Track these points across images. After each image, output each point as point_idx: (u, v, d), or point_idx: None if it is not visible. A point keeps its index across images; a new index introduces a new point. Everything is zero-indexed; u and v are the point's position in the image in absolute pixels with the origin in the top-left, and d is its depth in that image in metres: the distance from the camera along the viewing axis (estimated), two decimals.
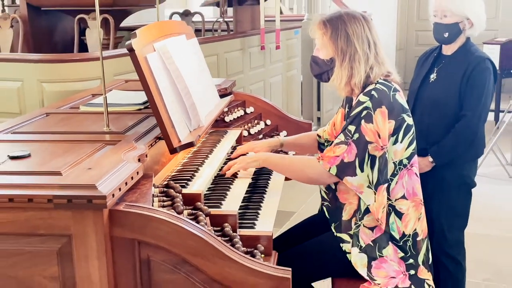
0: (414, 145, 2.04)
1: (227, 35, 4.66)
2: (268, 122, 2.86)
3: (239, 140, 2.58)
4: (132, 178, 1.50)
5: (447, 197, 2.59)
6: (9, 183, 1.41)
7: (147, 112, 2.18)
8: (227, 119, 2.66)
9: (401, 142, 1.99)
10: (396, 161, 1.99)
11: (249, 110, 2.86)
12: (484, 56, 2.60)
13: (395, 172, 2.00)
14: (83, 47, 5.15)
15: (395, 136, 1.97)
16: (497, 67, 6.21)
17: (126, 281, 1.44)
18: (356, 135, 1.93)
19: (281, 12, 6.58)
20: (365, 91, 2.01)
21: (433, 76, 2.66)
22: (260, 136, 2.77)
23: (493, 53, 6.32)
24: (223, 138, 2.48)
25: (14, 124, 2.00)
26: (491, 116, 6.10)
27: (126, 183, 1.46)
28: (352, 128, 1.95)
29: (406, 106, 2.04)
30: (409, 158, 2.02)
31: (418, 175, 2.09)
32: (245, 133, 2.67)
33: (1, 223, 1.38)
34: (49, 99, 3.00)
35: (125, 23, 5.57)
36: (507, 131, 5.28)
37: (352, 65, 2.01)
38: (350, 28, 2.01)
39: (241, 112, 2.80)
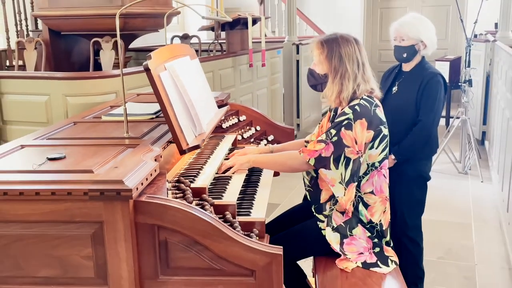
0: (386, 151, 2.08)
1: (221, 55, 4.66)
2: (258, 128, 2.86)
3: (235, 143, 2.59)
4: (151, 174, 1.52)
5: (407, 189, 2.62)
6: (51, 179, 1.42)
7: (158, 121, 2.18)
8: (224, 125, 2.66)
9: (376, 148, 2.03)
10: (369, 163, 2.04)
11: (242, 118, 2.86)
12: (436, 72, 2.66)
13: (367, 171, 2.05)
14: (97, 66, 5.16)
15: (372, 143, 2.01)
16: (447, 80, 6.30)
17: (147, 259, 1.45)
18: (335, 138, 1.97)
19: (265, 35, 6.63)
20: (350, 104, 2.03)
21: (395, 89, 2.71)
22: (252, 140, 2.77)
23: (444, 69, 6.41)
24: (221, 141, 2.49)
25: (49, 131, 2.00)
26: (442, 121, 6.23)
27: (146, 179, 1.48)
28: (333, 131, 1.99)
29: (384, 119, 2.08)
30: (381, 161, 2.07)
31: (387, 176, 2.12)
32: (239, 137, 2.68)
33: (45, 213, 1.39)
34: (72, 110, 3.00)
35: (133, 45, 5.59)
36: (456, 134, 5.31)
37: (342, 82, 2.02)
38: (343, 50, 2.02)
39: (235, 120, 2.80)
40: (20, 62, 5.12)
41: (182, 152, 1.84)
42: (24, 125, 3.16)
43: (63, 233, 1.41)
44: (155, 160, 1.64)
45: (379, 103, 2.09)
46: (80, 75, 3.21)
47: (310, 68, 2.18)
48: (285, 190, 4.42)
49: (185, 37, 5.41)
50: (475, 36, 6.16)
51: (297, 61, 6.27)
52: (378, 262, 1.99)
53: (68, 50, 5.34)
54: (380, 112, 2.06)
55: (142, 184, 1.45)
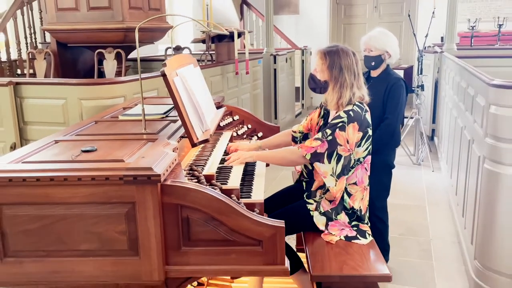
0: (370, 148, 2.15)
1: (211, 64, 4.69)
2: (249, 126, 2.91)
3: (231, 139, 2.64)
4: (172, 163, 1.57)
5: (375, 175, 2.65)
6: (90, 167, 1.47)
7: (168, 120, 2.21)
8: (221, 124, 2.71)
9: (362, 146, 2.09)
10: (355, 159, 2.10)
11: (236, 117, 2.91)
12: (399, 77, 2.77)
13: (353, 165, 2.10)
14: (100, 74, 5.15)
15: (359, 142, 2.07)
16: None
17: (172, 233, 1.50)
18: (330, 137, 2.02)
19: (244, 46, 6.69)
20: (345, 109, 2.07)
21: None
22: (244, 136, 2.83)
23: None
24: (220, 137, 2.56)
25: (75, 129, 2.02)
26: None
27: (169, 166, 1.53)
28: (328, 131, 2.03)
29: (370, 122, 2.13)
30: (365, 157, 2.13)
31: (368, 170, 2.18)
32: (235, 134, 2.75)
33: (86, 196, 1.43)
34: (86, 112, 3.00)
35: (130, 55, 5.59)
36: (410, 132, 5.47)
37: (341, 91, 2.06)
38: (343, 62, 2.05)
39: (230, 119, 2.85)
40: (31, 71, 5.08)
41: (194, 145, 1.88)
42: (43, 126, 3.15)
43: (101, 212, 1.45)
44: (173, 151, 1.69)
45: (367, 109, 2.14)
46: (93, 81, 3.22)
47: (311, 73, 2.21)
48: (267, 180, 4.48)
49: (177, 49, 5.41)
50: (425, 48, 6.36)
51: (275, 70, 6.37)
52: (358, 235, 2.08)
53: (74, 60, 5.31)
54: (368, 117, 2.12)
55: (167, 170, 1.50)
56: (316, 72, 2.16)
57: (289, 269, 1.53)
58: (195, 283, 2.39)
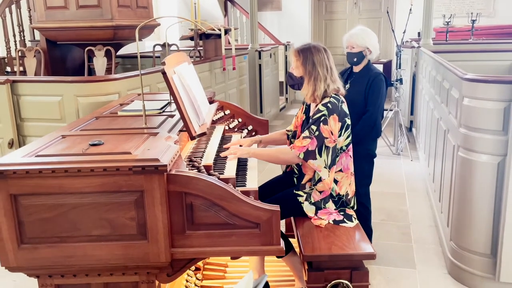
0: (350, 137, 2.26)
1: (199, 61, 4.75)
2: (240, 120, 2.99)
3: (224, 132, 2.72)
4: (175, 155, 1.67)
5: (359, 164, 2.73)
6: (101, 159, 1.55)
7: (165, 115, 2.28)
8: (214, 118, 2.77)
9: (342, 135, 2.20)
10: (338, 148, 2.21)
11: (227, 112, 2.98)
12: (379, 72, 2.87)
13: (337, 154, 2.22)
14: (90, 71, 5.18)
15: (340, 132, 2.18)
16: None
17: (177, 218, 1.59)
18: (317, 133, 2.12)
19: (228, 43, 6.77)
20: (323, 102, 2.17)
21: (347, 86, 2.88)
22: (236, 130, 2.92)
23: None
24: (214, 130, 2.65)
25: (79, 124, 2.08)
26: None
27: (173, 157, 1.63)
28: (314, 127, 2.14)
29: (348, 112, 2.24)
30: (347, 145, 2.25)
31: (352, 156, 2.29)
32: (227, 128, 2.83)
33: (98, 185, 1.52)
34: (82, 108, 3.06)
35: (118, 52, 5.62)
36: (390, 123, 5.66)
37: (315, 83, 2.17)
38: (315, 57, 2.17)
39: (222, 114, 2.93)
40: (21, 68, 5.08)
41: (192, 138, 1.97)
42: (39, 122, 3.21)
43: (112, 200, 1.54)
44: (175, 144, 1.79)
45: (344, 100, 2.25)
46: (88, 79, 3.29)
47: (289, 71, 2.32)
48: (258, 170, 4.61)
49: (165, 45, 5.47)
50: (402, 43, 6.54)
51: (259, 65, 6.48)
52: (345, 219, 2.20)
53: (63, 57, 5.32)
54: (345, 107, 2.23)
55: (171, 161, 1.60)
56: (293, 69, 2.27)
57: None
58: (192, 268, 2.50)
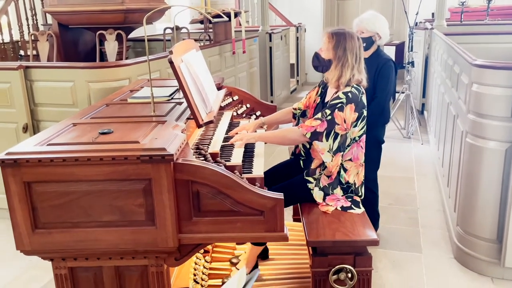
0: (365, 128, 2.26)
1: (209, 45, 4.75)
2: (248, 105, 2.98)
3: (232, 119, 2.75)
4: (182, 143, 1.70)
5: (366, 150, 2.74)
6: (110, 148, 1.59)
7: (173, 102, 2.28)
8: (222, 104, 2.77)
9: (358, 126, 2.20)
10: (352, 138, 2.22)
11: (235, 98, 2.97)
12: (388, 58, 2.87)
13: (349, 144, 2.23)
14: (102, 55, 5.22)
15: (356, 123, 2.18)
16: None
17: (184, 205, 1.62)
18: (329, 117, 2.13)
19: (239, 24, 6.73)
20: (344, 90, 2.16)
21: None
22: (244, 115, 2.93)
23: (390, 52, 6.69)
24: (221, 117, 2.67)
25: (90, 112, 2.11)
26: None
27: (180, 146, 1.66)
28: (328, 111, 2.14)
29: (366, 103, 2.23)
30: (360, 136, 2.25)
31: (363, 147, 2.29)
32: (235, 114, 2.85)
33: (107, 173, 1.56)
34: (94, 94, 3.11)
35: (130, 35, 5.64)
36: (401, 106, 5.62)
37: (342, 70, 2.16)
38: (347, 44, 2.16)
39: (230, 100, 2.93)
40: (34, 52, 5.14)
41: (199, 126, 2.00)
42: (52, 107, 3.27)
43: (121, 188, 1.58)
44: (182, 132, 1.81)
45: (364, 92, 2.24)
46: (99, 64, 3.32)
47: (316, 52, 2.29)
48: (266, 155, 4.64)
49: (176, 29, 5.47)
50: (416, 24, 6.44)
51: (270, 48, 6.46)
52: (352, 205, 2.22)
53: (75, 41, 5.37)
54: (364, 99, 2.22)
55: (178, 150, 1.64)
56: (322, 51, 2.25)
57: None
58: (201, 250, 2.57)
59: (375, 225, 3.19)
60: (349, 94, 2.16)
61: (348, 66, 2.16)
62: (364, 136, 2.29)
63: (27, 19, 5.49)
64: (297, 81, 8.18)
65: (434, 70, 5.24)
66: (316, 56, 2.29)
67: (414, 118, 5.48)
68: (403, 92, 5.47)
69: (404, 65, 5.39)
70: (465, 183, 2.80)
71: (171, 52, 1.99)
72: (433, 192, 3.94)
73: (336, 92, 2.22)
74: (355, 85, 2.20)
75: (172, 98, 2.42)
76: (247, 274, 1.87)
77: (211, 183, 1.63)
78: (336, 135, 2.16)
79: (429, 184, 4.11)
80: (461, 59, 3.08)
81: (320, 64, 2.27)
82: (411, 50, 5.33)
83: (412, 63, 5.29)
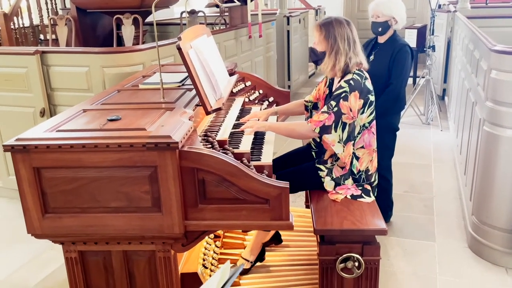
0: (373, 114, 2.22)
1: (225, 29, 4.72)
2: (261, 91, 2.97)
3: (243, 105, 2.73)
4: (189, 131, 1.71)
5: (381, 137, 2.71)
6: (116, 135, 1.61)
7: (184, 88, 2.29)
8: (234, 90, 2.78)
9: (365, 112, 2.17)
10: (361, 125, 2.19)
11: (248, 83, 2.97)
12: (405, 43, 2.81)
13: (360, 131, 2.20)
14: (119, 39, 5.25)
15: (362, 109, 2.15)
16: (415, 45, 6.43)
17: (190, 192, 1.64)
18: (336, 108, 2.10)
19: (257, 7, 6.64)
20: (345, 78, 2.13)
21: (372, 57, 2.86)
22: (256, 102, 2.91)
23: (412, 35, 6.52)
24: (233, 103, 2.66)
25: (101, 98, 2.14)
26: (410, 80, 6.39)
27: (186, 134, 1.67)
28: (333, 103, 2.11)
29: (371, 88, 2.19)
30: (370, 122, 2.21)
31: (375, 133, 2.26)
32: (247, 100, 2.83)
33: (114, 160, 1.58)
34: (108, 79, 3.14)
35: (147, 19, 5.65)
36: (421, 91, 5.49)
37: (336, 57, 2.14)
38: (336, 31, 2.14)
39: (242, 85, 2.92)
40: (53, 36, 5.21)
41: (208, 113, 2.00)
42: (69, 92, 3.31)
43: (127, 175, 1.60)
44: (189, 119, 1.82)
45: (367, 76, 2.20)
46: (114, 49, 3.33)
47: (311, 47, 2.33)
48: (280, 141, 4.63)
49: (192, 12, 5.45)
50: (439, 6, 6.24)
51: (288, 32, 6.37)
52: (362, 194, 2.20)
53: (93, 25, 5.42)
54: (368, 83, 2.19)
55: (184, 138, 1.65)
56: (316, 44, 2.24)
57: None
58: (212, 235, 2.60)
59: (389, 212, 3.17)
60: (351, 81, 2.13)
61: (340, 52, 2.15)
62: (374, 121, 2.26)
63: (46, 3, 5.54)
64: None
65: (455, 54, 5.10)
66: (312, 51, 2.33)
67: (434, 104, 5.36)
68: (423, 77, 5.34)
69: (425, 49, 5.25)
70: (481, 172, 2.74)
71: (179, 38, 1.98)
72: (450, 180, 3.87)
73: (339, 82, 2.19)
74: (356, 71, 2.17)
75: (183, 84, 2.43)
76: (243, 265, 1.87)
77: (215, 170, 1.63)
78: (344, 124, 2.14)
79: (446, 172, 4.04)
80: (481, 44, 2.98)
81: (318, 57, 2.29)
82: (432, 34, 5.18)
83: (433, 47, 5.16)
